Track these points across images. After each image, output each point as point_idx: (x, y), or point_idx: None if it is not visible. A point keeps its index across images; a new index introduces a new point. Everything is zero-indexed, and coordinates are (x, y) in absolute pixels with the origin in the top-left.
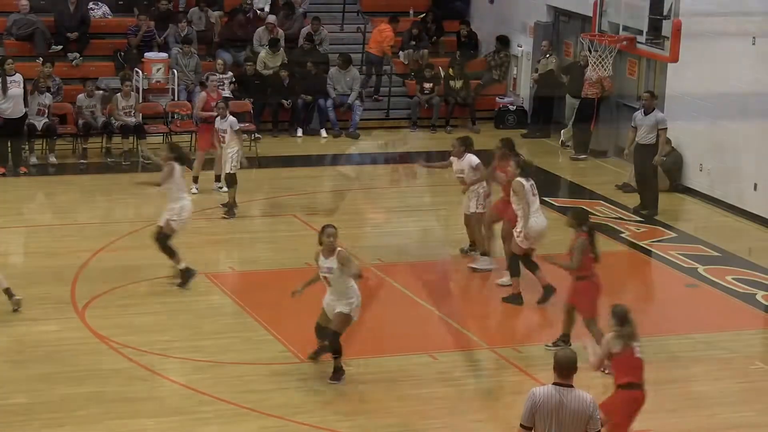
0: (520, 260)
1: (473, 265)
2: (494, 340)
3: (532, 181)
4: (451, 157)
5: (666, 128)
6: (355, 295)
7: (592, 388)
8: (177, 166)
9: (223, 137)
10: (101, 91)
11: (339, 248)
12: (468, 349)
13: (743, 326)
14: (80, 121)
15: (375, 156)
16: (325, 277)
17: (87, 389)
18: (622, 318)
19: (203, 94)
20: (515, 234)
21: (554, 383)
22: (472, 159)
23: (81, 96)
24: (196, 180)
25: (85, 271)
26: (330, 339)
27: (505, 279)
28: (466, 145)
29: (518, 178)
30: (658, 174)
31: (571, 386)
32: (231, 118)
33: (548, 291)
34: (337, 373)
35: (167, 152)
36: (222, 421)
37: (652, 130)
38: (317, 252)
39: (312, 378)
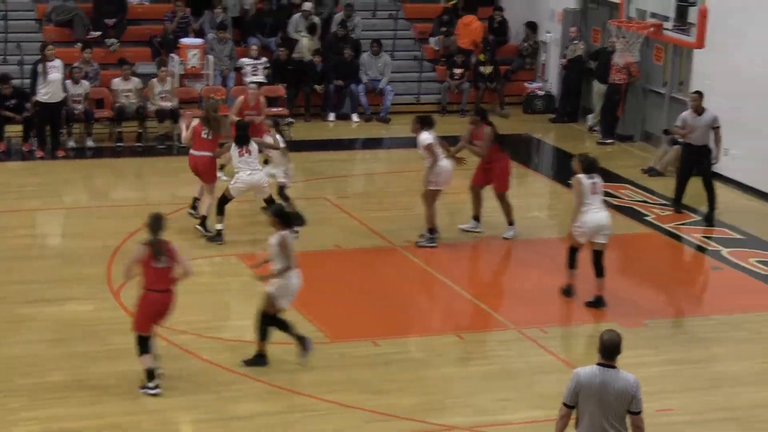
0: None
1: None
2: (520, 320)
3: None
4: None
5: (719, 126)
6: None
7: None
8: (234, 145)
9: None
10: (137, 79)
11: None
12: (494, 329)
13: (766, 308)
14: (116, 105)
15: (405, 140)
16: None
17: (122, 367)
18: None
19: (240, 98)
20: None
21: (598, 364)
22: (423, 138)
23: (116, 80)
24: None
25: (120, 252)
26: None
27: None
28: (422, 123)
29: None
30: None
31: (615, 367)
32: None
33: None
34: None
35: (228, 129)
36: (253, 400)
37: (707, 130)
38: None
39: (341, 358)
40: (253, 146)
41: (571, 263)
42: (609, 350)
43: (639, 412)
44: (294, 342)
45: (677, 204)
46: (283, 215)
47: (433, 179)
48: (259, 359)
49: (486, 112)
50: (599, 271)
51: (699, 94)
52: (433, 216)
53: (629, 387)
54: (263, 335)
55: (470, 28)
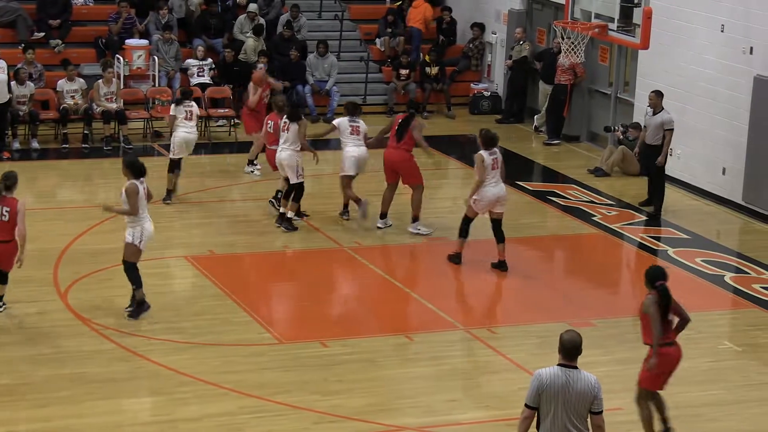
0: None
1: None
2: (468, 320)
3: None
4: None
5: (672, 129)
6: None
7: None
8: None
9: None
10: (82, 79)
11: None
12: (443, 329)
13: (712, 307)
14: (61, 107)
15: None
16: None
17: (69, 370)
18: None
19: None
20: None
21: (559, 364)
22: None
23: (62, 81)
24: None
25: (67, 254)
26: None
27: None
28: (345, 108)
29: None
30: (632, 158)
31: (576, 367)
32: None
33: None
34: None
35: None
36: (201, 401)
37: (658, 131)
38: None
39: (290, 359)
40: (294, 127)
41: (463, 233)
42: (569, 350)
43: (600, 412)
44: (133, 298)
45: (648, 204)
46: (134, 166)
47: (342, 164)
48: (141, 306)
49: (415, 106)
50: (499, 238)
51: (656, 93)
52: (347, 196)
53: (591, 387)
54: (138, 282)
55: (420, 9)
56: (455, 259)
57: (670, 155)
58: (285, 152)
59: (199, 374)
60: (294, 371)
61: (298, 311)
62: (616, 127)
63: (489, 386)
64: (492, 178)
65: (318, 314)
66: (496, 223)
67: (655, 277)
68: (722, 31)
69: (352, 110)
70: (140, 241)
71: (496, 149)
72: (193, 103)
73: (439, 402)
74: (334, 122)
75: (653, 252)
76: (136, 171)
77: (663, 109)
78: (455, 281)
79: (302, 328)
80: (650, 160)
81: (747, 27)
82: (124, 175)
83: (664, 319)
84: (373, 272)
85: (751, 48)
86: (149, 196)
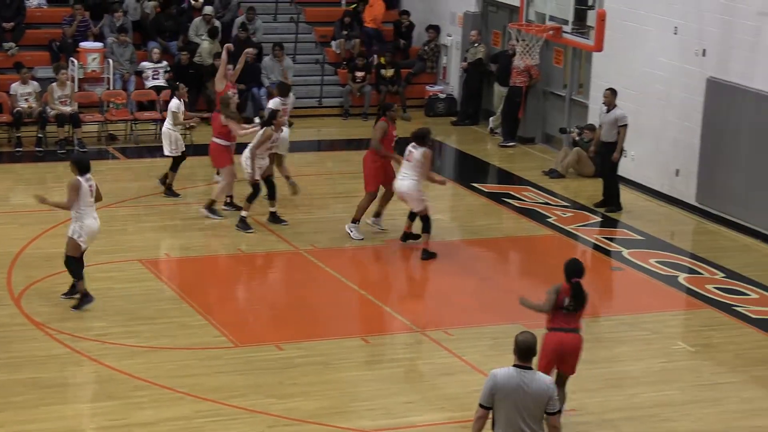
0: None
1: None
2: (424, 322)
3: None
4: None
5: (626, 125)
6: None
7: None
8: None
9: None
10: (36, 82)
11: None
12: (399, 332)
13: (665, 308)
14: (15, 110)
15: (307, 143)
16: None
17: (23, 375)
18: None
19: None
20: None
21: (514, 365)
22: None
23: (15, 84)
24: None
25: (20, 258)
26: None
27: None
28: (279, 91)
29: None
30: (587, 160)
31: (531, 368)
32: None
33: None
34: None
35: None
36: (157, 406)
37: (612, 127)
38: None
39: (245, 362)
40: (259, 132)
41: (411, 216)
42: (524, 352)
43: (555, 413)
44: (77, 291)
45: (611, 203)
46: (80, 163)
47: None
48: (85, 298)
49: (388, 108)
50: (412, 217)
51: (611, 91)
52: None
53: (546, 388)
54: (78, 275)
55: (374, 8)
56: (407, 237)
57: (624, 156)
58: (244, 153)
59: (154, 378)
60: (249, 374)
61: (253, 314)
62: (571, 129)
63: (445, 388)
64: (400, 172)
65: (273, 317)
66: (410, 212)
67: (572, 273)
68: (675, 34)
69: (284, 91)
70: (79, 236)
71: (422, 147)
72: (174, 100)
73: (394, 404)
74: (269, 104)
75: (607, 253)
76: (82, 167)
77: (616, 106)
78: (410, 283)
79: (258, 331)
80: (606, 157)
81: (700, 29)
82: (71, 172)
83: (560, 307)
84: (329, 275)
85: (704, 50)
86: (98, 197)
